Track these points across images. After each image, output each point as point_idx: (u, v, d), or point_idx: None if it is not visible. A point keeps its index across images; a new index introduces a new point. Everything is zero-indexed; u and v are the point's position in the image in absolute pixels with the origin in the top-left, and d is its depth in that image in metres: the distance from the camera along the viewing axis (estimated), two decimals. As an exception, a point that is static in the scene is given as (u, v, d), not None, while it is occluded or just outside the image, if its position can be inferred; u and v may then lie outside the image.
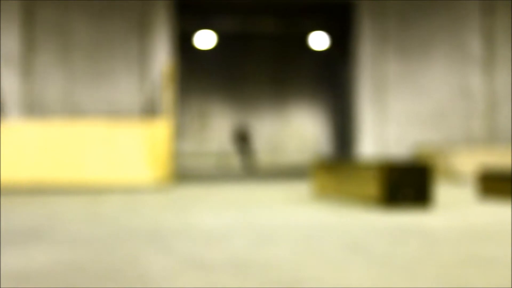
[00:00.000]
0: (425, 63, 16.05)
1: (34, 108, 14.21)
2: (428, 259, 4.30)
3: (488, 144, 15.98)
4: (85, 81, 14.39)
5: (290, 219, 6.87)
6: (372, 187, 7.79)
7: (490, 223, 6.50)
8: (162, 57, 14.50)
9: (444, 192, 10.17)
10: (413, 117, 15.87)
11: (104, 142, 12.50)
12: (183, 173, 19.34)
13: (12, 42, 14.23)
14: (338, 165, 9.08)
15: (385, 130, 15.67)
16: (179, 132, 16.93)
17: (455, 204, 8.54)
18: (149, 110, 14.50)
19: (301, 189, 12.07)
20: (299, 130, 35.07)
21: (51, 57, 14.34)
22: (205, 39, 32.26)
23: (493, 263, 4.14)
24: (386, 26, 15.88)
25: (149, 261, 4.25)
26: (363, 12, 15.89)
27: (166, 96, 14.18)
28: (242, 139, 16.73)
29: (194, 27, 29.16)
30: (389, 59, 15.84)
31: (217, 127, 33.77)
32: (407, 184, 7.62)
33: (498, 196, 8.80)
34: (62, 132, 12.51)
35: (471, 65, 16.20)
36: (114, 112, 14.38)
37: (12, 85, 14.17)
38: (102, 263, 4.18)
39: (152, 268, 4.01)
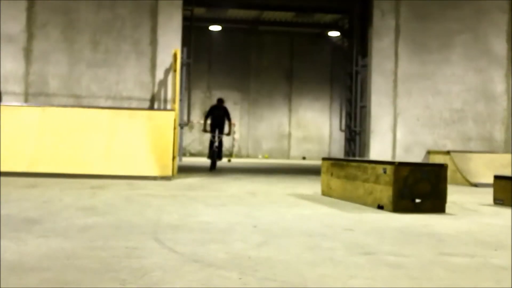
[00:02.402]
0: (443, 63, 15.79)
1: (36, 93, 14.06)
2: (439, 262, 4.14)
3: (508, 148, 15.74)
4: (90, 66, 14.23)
5: (296, 217, 6.72)
6: (385, 186, 7.62)
7: (505, 227, 6.33)
8: (173, 46, 14.33)
9: (459, 196, 9.99)
10: (428, 119, 15.64)
11: (108, 129, 12.34)
12: (188, 166, 19.23)
13: (17, 25, 14.08)
14: (349, 162, 8.91)
15: (398, 132, 15.46)
16: (185, 123, 16.83)
17: (470, 208, 8.38)
18: (156, 99, 14.35)
19: (309, 186, 11.92)
20: (311, 127, 34.94)
21: (56, 41, 14.18)
22: (217, 32, 32.13)
23: (506, 270, 3.98)
24: (403, 24, 15.64)
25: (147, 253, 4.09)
26: (378, 8, 15.65)
27: (174, 86, 14.02)
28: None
29: (208, 20, 29.04)
30: (404, 58, 15.60)
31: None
32: (421, 183, 7.44)
33: None
34: (64, 118, 12.36)
35: (494, 66, 15.93)
36: (119, 100, 14.23)
37: (15, 68, 14.02)
38: (97, 255, 4.03)
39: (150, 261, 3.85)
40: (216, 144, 16.62)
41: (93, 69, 14.25)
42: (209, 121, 16.87)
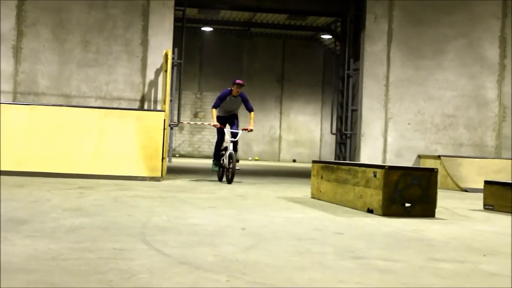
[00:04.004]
0: (435, 68, 15.78)
1: (25, 91, 13.97)
2: (428, 267, 4.11)
3: (499, 154, 15.75)
4: (81, 66, 14.15)
5: (286, 220, 6.68)
6: (375, 190, 7.59)
7: (495, 233, 6.32)
8: (164, 47, 14.27)
9: (449, 201, 9.98)
10: (420, 124, 15.63)
11: (97, 129, 12.27)
12: (177, 167, 19.18)
13: (7, 23, 13.99)
14: (339, 166, 8.88)
15: (389, 136, 15.44)
16: (175, 124, 16.65)
17: (460, 214, 8.36)
18: (146, 100, 14.29)
19: (299, 189, 11.89)
20: (302, 131, 34.92)
21: (46, 40, 14.10)
22: (209, 33, 32.08)
23: (495, 276, 3.96)
24: (396, 28, 15.64)
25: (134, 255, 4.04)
26: (372, 12, 15.64)
27: (165, 86, 13.96)
28: None
29: (200, 21, 28.98)
30: (397, 63, 15.59)
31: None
32: (411, 187, 7.42)
33: (505, 206, 8.62)
34: (53, 117, 12.27)
35: (487, 72, 15.92)
36: (109, 100, 14.16)
37: (4, 67, 13.93)
38: (83, 256, 3.97)
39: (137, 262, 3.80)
40: (229, 145, 12.23)
41: (84, 68, 14.18)
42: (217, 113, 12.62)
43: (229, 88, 12.57)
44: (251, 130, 12.67)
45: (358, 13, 16.76)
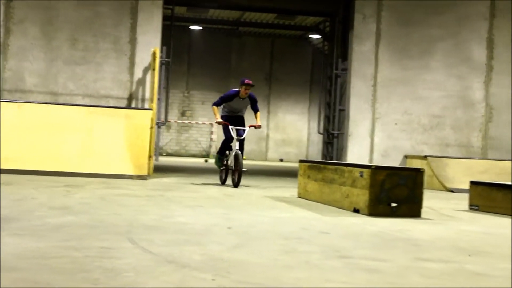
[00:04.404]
0: (423, 68, 15.81)
1: (12, 89, 13.90)
2: (414, 267, 4.13)
3: (485, 155, 15.80)
4: (68, 63, 14.09)
5: (272, 220, 6.69)
6: (361, 189, 7.61)
7: (481, 233, 6.35)
8: (152, 45, 14.23)
9: (435, 201, 10.02)
10: (407, 124, 15.66)
11: (84, 127, 12.22)
12: (164, 166, 19.14)
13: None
14: (326, 165, 8.89)
15: (376, 136, 15.47)
16: (162, 122, 16.63)
17: (446, 214, 8.40)
18: (134, 98, 14.25)
19: (286, 188, 11.90)
20: (290, 130, 34.92)
21: (34, 37, 14.03)
22: (198, 32, 32.03)
23: (480, 276, 3.98)
24: (384, 29, 15.66)
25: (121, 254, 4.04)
26: (360, 12, 15.66)
27: (153, 85, 13.93)
28: None
29: (188, 20, 28.94)
30: (385, 63, 15.61)
31: (202, 125, 33.55)
32: (397, 187, 7.44)
33: (490, 207, 8.66)
34: (40, 115, 12.21)
35: (474, 73, 15.97)
36: (97, 98, 14.11)
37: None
38: (69, 255, 3.96)
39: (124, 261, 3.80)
40: (234, 144, 11.24)
41: (71, 66, 14.12)
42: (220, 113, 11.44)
43: (236, 89, 11.27)
44: (260, 127, 11.44)
45: (347, 13, 16.79)
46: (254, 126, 11.31)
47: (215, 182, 12.13)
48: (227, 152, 11.47)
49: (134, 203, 7.40)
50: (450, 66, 15.91)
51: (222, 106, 11.41)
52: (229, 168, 11.37)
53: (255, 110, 11.41)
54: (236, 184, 10.85)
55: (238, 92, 11.16)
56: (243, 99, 11.21)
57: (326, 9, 20.03)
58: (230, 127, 11.11)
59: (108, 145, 12.08)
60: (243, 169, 10.81)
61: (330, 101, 19.04)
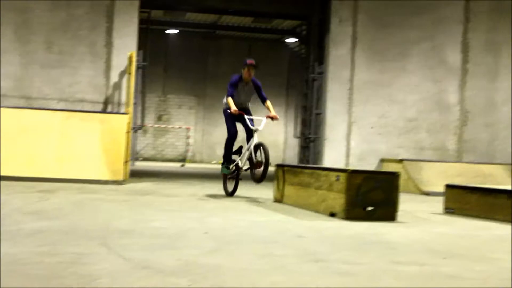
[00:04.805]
0: (399, 71, 15.88)
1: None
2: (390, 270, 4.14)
3: (460, 158, 15.91)
4: (44, 67, 13.97)
5: (248, 224, 6.69)
6: (338, 193, 7.62)
7: (456, 236, 6.39)
8: (128, 49, 14.14)
9: (411, 204, 10.07)
10: (383, 128, 15.71)
11: (59, 132, 12.12)
12: (140, 171, 19.04)
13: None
14: (302, 169, 8.90)
15: (352, 140, 15.50)
16: (139, 127, 16.53)
17: (422, 217, 8.45)
18: (110, 102, 14.17)
19: (263, 192, 11.90)
20: (266, 134, 34.84)
21: (8, 40, 13.89)
22: (174, 35, 31.95)
23: (455, 278, 4.00)
24: (360, 32, 15.71)
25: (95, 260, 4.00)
26: (336, 15, 15.69)
27: (129, 89, 13.86)
28: None
29: (165, 23, 28.85)
30: (361, 66, 15.64)
31: (179, 130, 33.46)
32: (373, 190, 7.46)
33: (465, 210, 8.72)
34: (15, 119, 12.09)
35: (449, 76, 16.08)
36: (72, 102, 14.00)
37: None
38: (43, 261, 3.93)
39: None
40: (250, 144, 9.60)
41: (47, 70, 14.00)
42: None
43: (238, 75, 9.90)
44: (277, 118, 9.90)
45: (323, 17, 16.82)
46: (271, 117, 9.80)
47: (191, 186, 12.10)
48: (237, 154, 10.01)
49: (109, 208, 7.35)
50: (426, 69, 16.00)
51: (223, 101, 9.99)
52: (241, 171, 9.84)
53: (263, 98, 9.94)
54: (260, 179, 9.21)
55: (240, 76, 9.82)
56: (246, 84, 9.82)
57: (303, 12, 20.06)
58: (245, 116, 9.62)
59: (83, 150, 11.99)
60: (256, 176, 9.35)
61: (307, 105, 19.07)
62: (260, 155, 9.31)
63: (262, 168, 9.17)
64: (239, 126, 9.82)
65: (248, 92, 9.94)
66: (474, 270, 4.32)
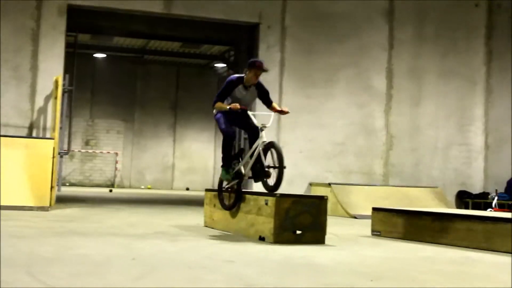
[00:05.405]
0: (326, 96, 16.08)
1: None
2: (317, 294, 4.16)
3: (387, 182, 16.18)
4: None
5: (177, 249, 6.62)
6: (267, 217, 7.63)
7: (382, 258, 6.47)
8: (54, 73, 13.91)
9: (339, 228, 10.16)
10: (311, 152, 15.85)
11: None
12: (67, 196, 18.68)
13: None
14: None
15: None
16: (65, 152, 16.23)
17: (349, 240, 8.53)
18: (35, 127, 13.88)
19: (192, 217, 11.82)
20: (196, 158, 34.75)
21: None
22: (102, 59, 31.63)
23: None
24: (288, 57, 15.87)
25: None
26: (264, 41, 15.82)
27: (55, 113, 13.61)
28: None
29: (92, 47, 28.51)
30: (289, 91, 15.78)
31: (107, 154, 33.03)
32: (302, 214, 7.50)
33: (392, 232, 8.85)
34: None
35: (375, 101, 16.39)
36: (-4, 127, 13.65)
37: None
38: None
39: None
40: (258, 144, 8.01)
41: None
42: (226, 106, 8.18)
43: (239, 75, 8.36)
44: (288, 112, 8.50)
45: (251, 42, 16.95)
46: (281, 111, 8.49)
47: (119, 211, 11.92)
48: (237, 158, 8.51)
49: (33, 235, 7.16)
50: (352, 94, 16.29)
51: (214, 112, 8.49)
52: (244, 178, 8.39)
53: (269, 103, 8.49)
54: (275, 188, 7.80)
55: (242, 78, 8.25)
56: (248, 88, 8.28)
57: (231, 38, 20.19)
58: (249, 112, 8.21)
59: (6, 175, 11.67)
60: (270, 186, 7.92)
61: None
62: (272, 158, 7.84)
63: (276, 173, 7.76)
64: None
65: (249, 97, 8.42)
66: (400, 291, 4.38)
